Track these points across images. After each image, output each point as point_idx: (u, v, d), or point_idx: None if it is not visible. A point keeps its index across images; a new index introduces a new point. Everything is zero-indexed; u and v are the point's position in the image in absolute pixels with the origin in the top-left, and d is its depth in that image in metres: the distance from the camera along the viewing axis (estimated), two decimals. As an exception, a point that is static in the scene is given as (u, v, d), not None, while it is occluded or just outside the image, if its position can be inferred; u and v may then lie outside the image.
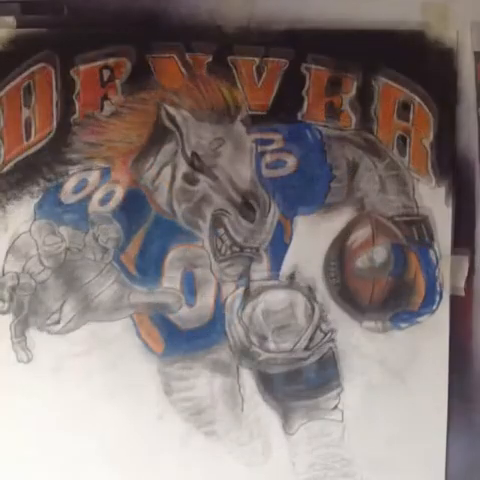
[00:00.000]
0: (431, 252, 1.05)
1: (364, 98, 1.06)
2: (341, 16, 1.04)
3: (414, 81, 1.05)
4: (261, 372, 1.06)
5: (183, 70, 1.05)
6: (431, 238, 1.05)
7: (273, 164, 1.05)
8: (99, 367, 1.06)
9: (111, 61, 1.04)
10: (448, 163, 1.06)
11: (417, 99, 1.06)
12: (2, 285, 1.05)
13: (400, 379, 1.06)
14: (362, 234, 1.05)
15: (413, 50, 1.05)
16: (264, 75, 1.05)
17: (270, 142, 1.05)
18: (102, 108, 1.04)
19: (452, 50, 1.05)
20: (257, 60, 1.05)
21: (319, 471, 1.06)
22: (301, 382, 1.07)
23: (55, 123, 1.05)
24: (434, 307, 1.06)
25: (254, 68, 1.05)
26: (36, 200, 1.05)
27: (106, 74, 1.04)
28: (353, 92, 1.06)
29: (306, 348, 1.06)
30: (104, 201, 1.05)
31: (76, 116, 1.05)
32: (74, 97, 1.04)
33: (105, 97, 1.05)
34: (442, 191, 1.05)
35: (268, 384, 1.07)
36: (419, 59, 1.05)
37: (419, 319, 1.06)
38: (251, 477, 1.07)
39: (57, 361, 1.06)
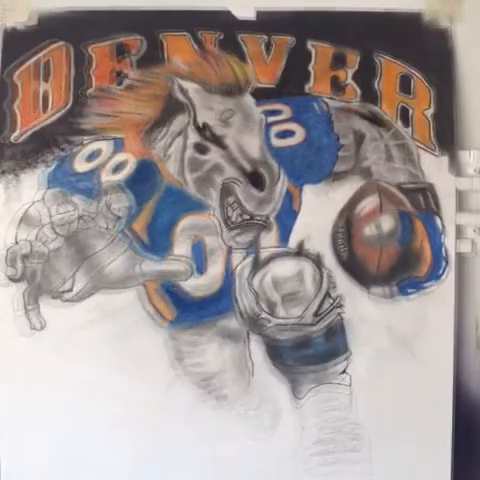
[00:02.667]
0: (437, 219, 1.04)
1: (367, 73, 1.06)
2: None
3: (413, 58, 1.06)
4: (271, 338, 1.04)
5: (195, 46, 1.04)
6: (437, 206, 1.04)
7: (282, 134, 1.04)
8: (111, 335, 1.03)
9: (126, 38, 1.04)
10: (450, 133, 1.05)
11: (417, 74, 1.06)
12: (15, 253, 1.03)
13: (407, 346, 1.03)
14: (369, 202, 1.04)
15: (411, 30, 1.07)
16: (272, 51, 1.05)
17: (279, 113, 1.04)
18: (118, 82, 1.04)
19: (447, 29, 1.06)
20: (265, 37, 1.05)
21: (328, 434, 1.03)
22: (310, 348, 1.04)
23: (71, 96, 1.04)
24: (441, 274, 1.04)
25: (263, 45, 1.05)
26: (50, 169, 1.04)
27: (120, 50, 1.04)
28: (357, 67, 1.06)
29: (315, 315, 1.04)
30: (116, 170, 1.04)
31: (91, 89, 1.04)
32: (90, 72, 1.04)
33: (120, 72, 1.04)
34: (446, 160, 1.04)
35: (278, 350, 1.04)
36: (417, 38, 1.07)
37: (426, 286, 1.04)
38: (261, 441, 1.03)
39: (69, 329, 1.03)
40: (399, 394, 1.03)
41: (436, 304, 1.04)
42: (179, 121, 1.04)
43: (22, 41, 1.05)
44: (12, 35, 1.05)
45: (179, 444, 1.03)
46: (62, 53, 1.05)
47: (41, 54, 1.05)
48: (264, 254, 1.04)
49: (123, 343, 1.03)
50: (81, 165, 1.04)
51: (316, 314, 1.04)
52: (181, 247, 1.04)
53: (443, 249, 1.04)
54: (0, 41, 1.05)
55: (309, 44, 1.06)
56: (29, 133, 1.04)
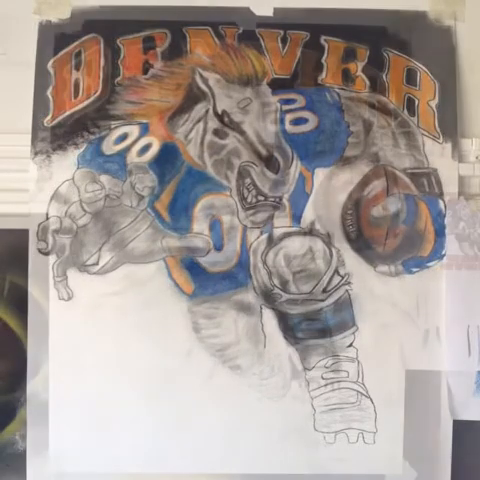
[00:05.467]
0: (440, 202, 1.08)
1: (376, 66, 1.11)
2: None
3: (419, 54, 1.11)
4: (282, 312, 1.08)
5: (216, 40, 1.10)
6: (440, 189, 1.08)
7: (296, 121, 1.08)
8: (134, 306, 1.08)
9: (153, 32, 1.09)
10: (453, 122, 1.09)
11: (422, 68, 1.10)
12: (46, 228, 1.08)
13: (411, 319, 1.07)
14: (377, 185, 1.08)
15: (418, 27, 1.12)
16: (287, 45, 1.10)
17: (293, 102, 1.09)
18: (144, 72, 1.09)
19: (450, 28, 1.11)
20: (282, 32, 1.10)
21: (335, 405, 1.07)
22: (319, 322, 1.07)
23: (101, 84, 1.09)
24: (443, 253, 1.07)
25: (279, 39, 1.10)
26: (80, 151, 1.08)
27: (148, 43, 1.09)
28: (366, 61, 1.10)
29: (324, 290, 1.08)
30: (142, 152, 1.08)
31: (120, 78, 1.09)
32: (119, 62, 1.09)
33: (147, 63, 1.09)
34: (449, 147, 1.08)
35: (289, 323, 1.08)
36: (423, 35, 1.12)
37: (429, 264, 1.07)
38: (271, 409, 1.07)
39: (95, 300, 1.07)
40: (402, 363, 1.07)
41: (439, 280, 1.07)
42: (200, 108, 1.08)
43: (57, 33, 1.10)
44: (48, 28, 1.10)
45: (198, 405, 1.07)
46: (94, 45, 1.10)
47: (73, 45, 1.10)
48: (277, 233, 1.08)
49: (144, 314, 1.07)
50: (109, 148, 1.08)
51: (325, 290, 1.08)
52: (200, 225, 1.08)
53: (446, 230, 1.07)
54: (36, 34, 1.10)
55: (322, 39, 1.10)
56: (61, 117, 1.09)
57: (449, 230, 1.07)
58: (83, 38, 1.10)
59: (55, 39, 1.11)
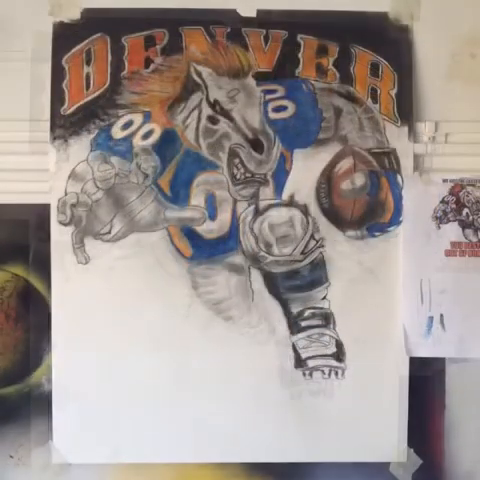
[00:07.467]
0: (398, 177, 1.27)
1: (345, 60, 1.28)
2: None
3: (381, 49, 1.28)
4: (267, 271, 1.27)
5: (208, 38, 1.26)
6: (398, 166, 1.27)
7: (277, 109, 1.26)
8: (142, 268, 1.26)
9: (153, 31, 1.25)
10: (409, 108, 1.28)
11: (384, 61, 1.28)
12: (65, 203, 1.25)
13: (374, 275, 1.27)
14: (346, 163, 1.27)
15: (380, 26, 1.29)
16: (269, 42, 1.27)
17: (274, 92, 1.26)
18: (146, 66, 1.25)
19: (408, 26, 1.29)
20: (264, 31, 1.27)
21: (314, 347, 1.27)
22: (298, 279, 1.27)
23: (109, 77, 1.25)
24: (400, 219, 1.27)
25: (262, 37, 1.27)
26: (92, 136, 1.25)
27: (149, 41, 1.25)
28: (336, 56, 1.28)
29: (302, 252, 1.27)
30: (145, 137, 1.25)
31: (125, 72, 1.25)
32: (124, 58, 1.25)
33: (148, 58, 1.25)
34: (406, 129, 1.27)
35: (273, 281, 1.27)
36: (384, 33, 1.29)
37: (389, 229, 1.27)
38: (259, 353, 1.26)
39: (109, 263, 1.25)
40: (367, 312, 1.27)
41: (397, 242, 1.27)
42: (195, 98, 1.25)
43: (69, 32, 1.26)
44: (61, 28, 1.26)
45: (197, 350, 1.26)
46: (102, 43, 1.25)
47: (84, 42, 1.25)
48: (262, 205, 1.27)
49: (151, 274, 1.26)
50: (117, 133, 1.25)
51: (303, 252, 1.27)
52: (197, 198, 1.26)
53: (402, 201, 1.27)
54: (51, 33, 1.25)
55: (299, 37, 1.27)
56: (75, 107, 1.25)
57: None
58: (92, 37, 1.26)
59: (68, 37, 1.26)
